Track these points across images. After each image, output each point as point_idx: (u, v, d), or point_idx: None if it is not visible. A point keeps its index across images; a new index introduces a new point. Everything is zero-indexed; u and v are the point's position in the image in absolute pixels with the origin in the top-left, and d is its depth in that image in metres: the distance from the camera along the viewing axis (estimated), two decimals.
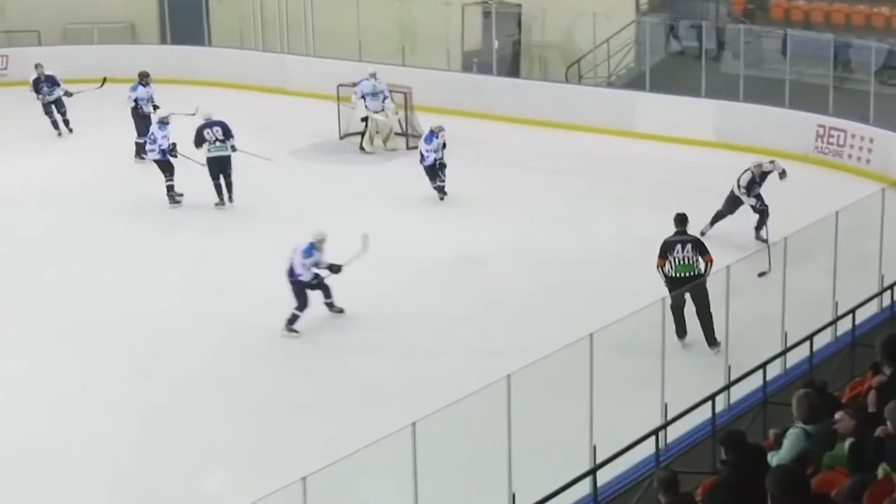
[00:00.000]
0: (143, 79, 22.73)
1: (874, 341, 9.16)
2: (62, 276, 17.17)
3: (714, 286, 13.43)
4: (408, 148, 23.21)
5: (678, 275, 14.11)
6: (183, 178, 20.07)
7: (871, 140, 21.36)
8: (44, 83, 23.94)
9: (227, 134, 19.89)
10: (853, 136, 21.62)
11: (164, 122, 20.11)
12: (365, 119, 23.16)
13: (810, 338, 12.38)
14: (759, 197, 17.45)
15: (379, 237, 15.88)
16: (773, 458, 8.28)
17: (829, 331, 13.11)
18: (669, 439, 10.97)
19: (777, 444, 8.61)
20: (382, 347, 14.88)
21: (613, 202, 20.03)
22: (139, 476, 12.09)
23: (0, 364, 14.63)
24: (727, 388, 11.72)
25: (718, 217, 17.67)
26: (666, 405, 11.13)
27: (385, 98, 23.16)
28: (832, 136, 21.91)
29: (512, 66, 27.33)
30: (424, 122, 23.61)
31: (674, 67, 25.39)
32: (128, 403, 13.54)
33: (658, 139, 23.25)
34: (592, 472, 10.14)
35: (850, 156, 21.65)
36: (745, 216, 17.58)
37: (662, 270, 14.25)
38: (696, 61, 24.39)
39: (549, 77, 26.72)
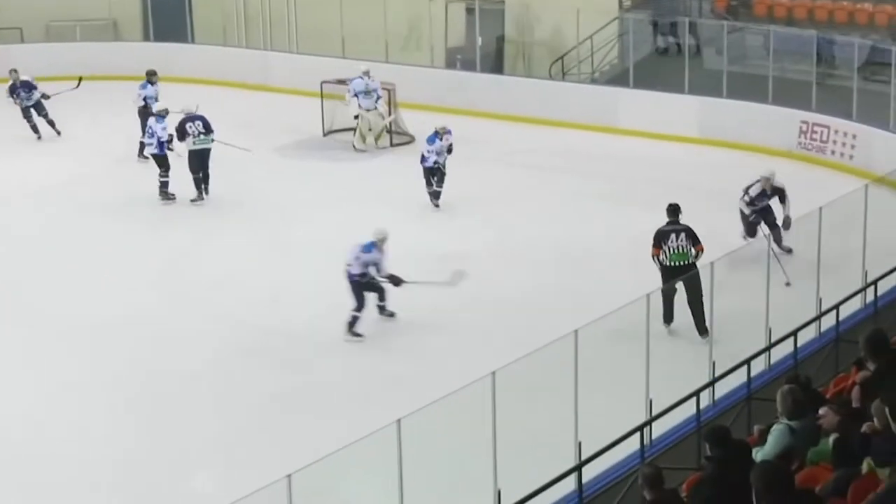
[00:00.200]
0: (151, 77, 22.66)
1: (858, 337, 9.17)
2: (56, 275, 17.10)
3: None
4: (391, 145, 23.21)
5: (672, 263, 14.44)
6: (178, 176, 20.10)
7: (855, 136, 21.40)
8: (20, 88, 23.66)
9: (208, 128, 20.04)
10: (836, 132, 21.66)
11: (161, 116, 20.10)
12: (357, 117, 23.07)
13: (794, 334, 12.39)
14: (763, 210, 16.84)
15: (361, 234, 15.83)
16: (758, 454, 8.29)
17: (813, 327, 13.13)
18: (654, 435, 11.00)
19: (761, 440, 8.63)
20: (368, 345, 14.85)
21: (599, 199, 20.03)
22: (130, 475, 12.05)
23: None
24: (712, 383, 11.73)
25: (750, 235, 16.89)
26: (651, 401, 11.14)
27: (378, 97, 23.09)
28: (815, 132, 21.95)
29: (496, 63, 27.34)
30: (408, 119, 23.68)
31: (657, 64, 25.42)
32: (121, 402, 13.49)
33: (642, 135, 23.27)
34: (577, 468, 10.14)
35: (833, 152, 21.68)
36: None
37: (657, 259, 14.51)
38: (680, 57, 24.45)
39: (533, 73, 26.71)
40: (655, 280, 14.59)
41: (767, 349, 12.44)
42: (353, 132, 23.23)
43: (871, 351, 8.90)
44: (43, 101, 23.69)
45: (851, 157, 21.40)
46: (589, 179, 21.28)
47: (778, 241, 16.47)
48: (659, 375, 11.38)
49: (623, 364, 12.12)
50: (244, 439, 12.63)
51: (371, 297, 15.11)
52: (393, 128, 23.46)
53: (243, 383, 13.87)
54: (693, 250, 14.45)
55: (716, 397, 11.79)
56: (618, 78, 25.56)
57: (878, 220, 14.42)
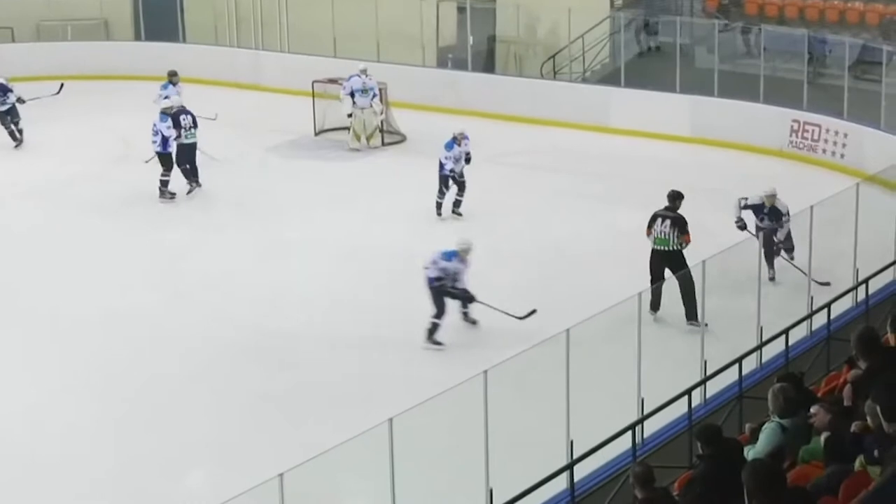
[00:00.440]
0: (173, 77, 22.59)
1: (849, 335, 9.16)
2: (54, 275, 17.06)
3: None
4: (383, 144, 23.21)
5: (655, 247, 14.88)
6: (177, 177, 20.14)
7: (846, 135, 21.43)
8: None
9: (196, 123, 20.29)
10: (827, 130, 21.69)
11: (166, 114, 20.10)
12: (350, 115, 22.99)
13: (786, 332, 12.42)
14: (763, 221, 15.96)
15: (355, 233, 15.88)
16: (749, 453, 8.29)
17: (804, 325, 13.16)
18: (646, 434, 11.01)
19: (753, 439, 8.62)
20: (360, 345, 14.83)
21: (590, 198, 20.03)
22: (120, 473, 12.03)
23: None
24: (703, 382, 11.74)
25: (770, 256, 15.70)
26: (642, 400, 11.15)
27: (374, 95, 23.04)
28: (807, 131, 21.97)
29: (487, 62, 27.34)
30: (399, 119, 23.67)
31: (648, 63, 25.44)
32: (117, 401, 13.47)
33: (633, 134, 23.28)
34: (569, 467, 10.15)
35: (824, 150, 21.71)
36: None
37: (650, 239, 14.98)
38: (671, 56, 24.46)
39: (525, 73, 26.74)
40: (647, 279, 14.63)
41: (759, 347, 12.45)
42: (346, 131, 23.22)
43: (863, 349, 8.89)
44: (18, 105, 22.98)
45: (842, 155, 21.43)
46: (580, 178, 21.28)
47: (788, 250, 15.74)
48: (650, 374, 11.39)
49: (615, 363, 12.11)
50: (239, 439, 12.60)
51: (453, 304, 14.74)
52: (385, 127, 23.44)
53: (238, 383, 13.84)
54: (678, 238, 14.70)
55: (707, 396, 11.80)
56: (609, 77, 25.58)
57: (869, 219, 14.45)
